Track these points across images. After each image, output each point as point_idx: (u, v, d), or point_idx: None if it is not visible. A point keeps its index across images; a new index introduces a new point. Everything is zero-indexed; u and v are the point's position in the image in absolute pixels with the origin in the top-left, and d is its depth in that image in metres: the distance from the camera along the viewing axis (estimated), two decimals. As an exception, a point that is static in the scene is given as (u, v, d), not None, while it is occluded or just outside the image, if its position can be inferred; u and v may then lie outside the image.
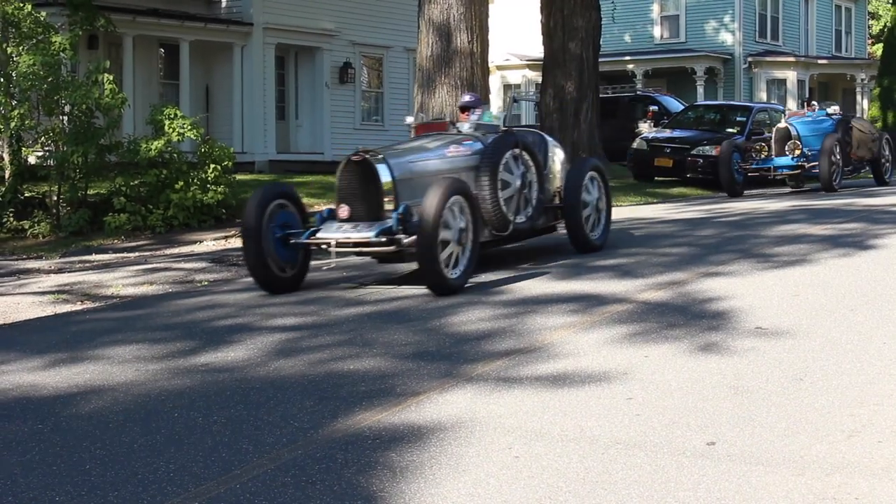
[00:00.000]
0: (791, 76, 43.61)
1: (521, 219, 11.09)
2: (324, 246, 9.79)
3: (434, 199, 9.22)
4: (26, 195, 17.98)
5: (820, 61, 45.68)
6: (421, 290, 9.84)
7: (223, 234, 17.13)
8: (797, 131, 21.62)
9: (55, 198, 17.61)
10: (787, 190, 22.99)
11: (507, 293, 9.43)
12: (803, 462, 4.75)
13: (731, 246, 11.98)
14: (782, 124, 21.96)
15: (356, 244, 9.82)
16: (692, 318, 7.96)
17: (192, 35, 28.06)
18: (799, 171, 21.64)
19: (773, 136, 21.82)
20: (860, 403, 5.61)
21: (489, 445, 5.14)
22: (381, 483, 4.71)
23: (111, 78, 17.70)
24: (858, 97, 46.17)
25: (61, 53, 17.42)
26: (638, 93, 36.24)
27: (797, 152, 21.36)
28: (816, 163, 21.21)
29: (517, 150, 11.06)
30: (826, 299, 8.59)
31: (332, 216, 10.07)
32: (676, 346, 7.08)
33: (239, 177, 21.12)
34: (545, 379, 6.36)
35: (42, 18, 17.85)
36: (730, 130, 26.47)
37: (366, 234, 9.66)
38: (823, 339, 7.16)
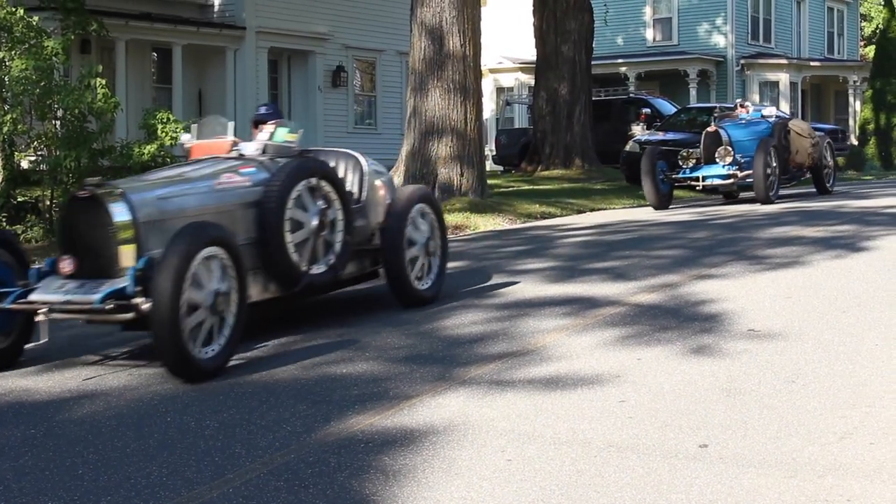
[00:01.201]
0: (783, 78, 43.64)
1: (319, 268, 8.48)
2: (39, 312, 7.14)
3: (175, 255, 6.77)
4: (19, 200, 17.93)
5: (812, 63, 45.72)
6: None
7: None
8: (728, 136, 18.99)
9: (48, 202, 17.57)
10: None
11: (500, 296, 9.43)
12: (795, 464, 4.75)
13: (723, 248, 11.99)
14: (712, 128, 19.36)
15: (78, 310, 7.22)
16: (685, 321, 7.97)
17: (184, 39, 28.04)
18: (731, 180, 18.94)
19: (701, 141, 19.28)
20: (852, 405, 5.62)
21: (482, 448, 5.14)
22: (373, 486, 4.71)
23: (104, 82, 17.67)
24: (851, 99, 46.20)
25: (54, 58, 17.38)
26: (630, 95, 36.24)
27: (729, 159, 18.69)
28: (751, 171, 18.46)
29: (314, 180, 8.48)
30: (818, 301, 8.60)
31: (54, 270, 7.45)
32: (669, 349, 7.09)
33: (232, 181, 21.07)
34: (538, 382, 6.36)
35: (34, 23, 17.80)
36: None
37: (90, 296, 7.05)
38: (815, 341, 7.17)
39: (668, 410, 5.65)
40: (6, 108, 17.01)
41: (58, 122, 17.69)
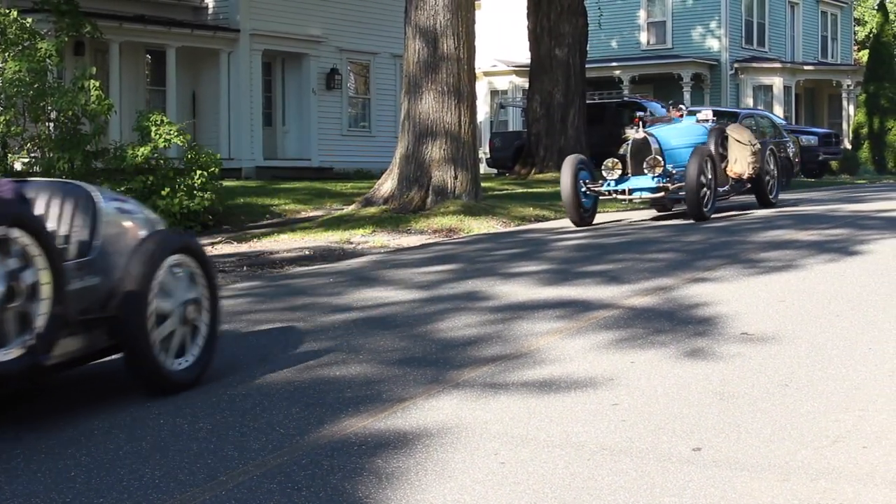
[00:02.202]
0: (777, 82, 43.72)
1: (6, 354, 5.51)
2: None
3: None
4: (12, 202, 17.91)
5: (806, 67, 45.82)
6: (408, 294, 9.85)
7: (210, 241, 17.09)
8: (659, 143, 16.38)
9: (41, 204, 17.55)
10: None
11: (493, 299, 9.43)
12: (788, 468, 4.75)
13: (717, 251, 11.99)
14: (639, 134, 16.54)
15: None
16: (678, 324, 7.97)
17: (178, 41, 28.06)
18: (662, 193, 16.36)
19: (627, 148, 16.65)
20: (845, 409, 5.62)
21: (475, 451, 5.14)
22: (366, 489, 4.70)
23: (97, 84, 17.67)
24: (844, 103, 46.29)
25: (47, 60, 17.39)
26: (625, 99, 36.29)
27: (658, 170, 16.05)
28: (683, 183, 15.86)
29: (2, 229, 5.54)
30: (812, 305, 8.61)
31: None
32: (662, 352, 7.09)
33: (226, 183, 21.11)
34: (531, 385, 6.36)
35: (28, 25, 17.81)
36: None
37: None
38: (809, 344, 7.17)
39: (661, 414, 5.65)
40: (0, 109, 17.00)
41: (51, 124, 17.68)
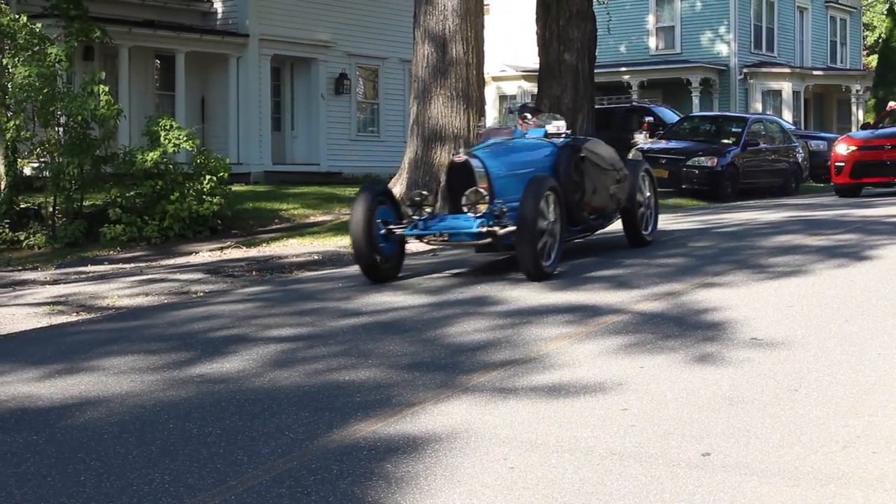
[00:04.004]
0: (786, 87, 43.68)
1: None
2: None
3: None
4: (22, 206, 17.98)
5: (815, 72, 45.76)
6: (417, 299, 9.85)
7: (219, 245, 17.13)
8: (486, 169, 11.14)
9: (51, 209, 17.60)
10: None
11: (502, 304, 9.43)
12: (798, 473, 4.75)
13: (726, 256, 11.98)
14: (459, 157, 11.32)
15: None
16: (688, 329, 7.96)
17: (187, 46, 28.09)
18: (487, 239, 11.08)
19: (442, 176, 11.73)
20: (855, 414, 5.61)
21: (484, 456, 5.14)
22: (376, 494, 4.70)
23: (107, 89, 17.71)
24: (853, 108, 46.23)
25: (57, 65, 17.44)
26: (633, 104, 36.28)
27: (483, 207, 10.92)
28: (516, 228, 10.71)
29: None
30: (821, 310, 8.60)
31: None
32: (672, 357, 7.08)
33: (234, 188, 21.14)
34: (541, 389, 6.36)
35: (38, 30, 17.86)
36: (725, 141, 26.55)
37: None
38: (818, 349, 7.16)
39: (670, 419, 5.64)
40: (9, 114, 17.06)
41: (61, 129, 17.74)
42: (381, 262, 11.15)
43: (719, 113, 34.79)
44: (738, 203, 23.74)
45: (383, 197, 11.42)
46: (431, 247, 11.86)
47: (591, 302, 9.30)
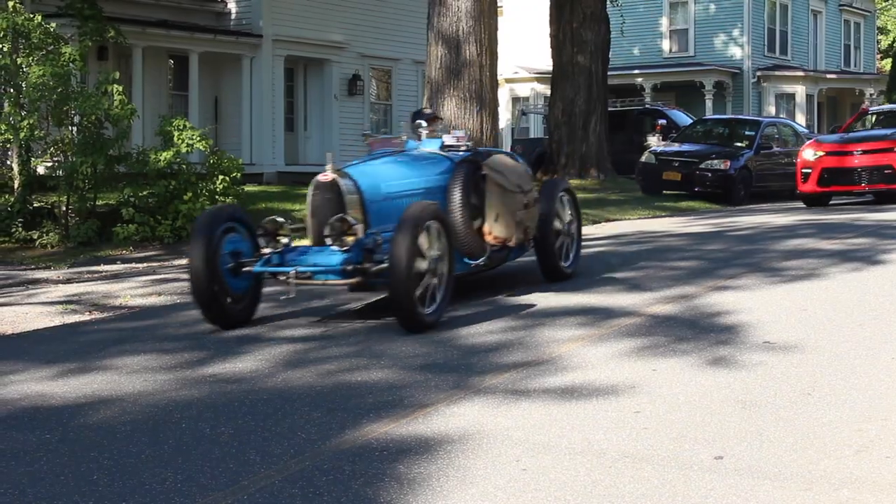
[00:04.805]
0: (800, 91, 43.62)
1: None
2: None
3: None
4: (35, 205, 17.99)
5: (829, 76, 45.70)
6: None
7: (231, 246, 17.12)
8: (359, 190, 9.08)
9: (64, 208, 17.62)
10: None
11: (515, 306, 9.43)
12: (811, 477, 4.74)
13: (739, 260, 11.97)
14: (325, 175, 9.07)
15: None
16: (700, 332, 7.95)
17: (201, 46, 28.12)
18: (357, 278, 8.75)
19: (310, 199, 9.23)
20: (868, 418, 5.60)
21: (497, 458, 5.14)
22: (388, 495, 4.70)
23: (120, 89, 17.73)
24: (867, 112, 46.11)
25: (71, 64, 17.45)
26: (646, 106, 36.29)
27: (350, 239, 8.72)
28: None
29: None
30: (834, 314, 8.58)
31: None
32: (685, 360, 7.08)
33: (247, 188, 21.14)
34: (553, 392, 6.35)
35: (52, 29, 17.88)
36: (738, 145, 26.51)
37: None
38: (832, 353, 7.15)
39: (683, 422, 5.64)
40: (23, 113, 17.09)
41: (74, 129, 17.75)
42: (229, 305, 8.91)
43: (732, 116, 34.75)
44: (751, 206, 23.71)
45: (234, 223, 9.07)
46: (296, 283, 8.80)
47: (603, 304, 9.30)
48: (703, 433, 5.42)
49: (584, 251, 13.63)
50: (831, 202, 22.66)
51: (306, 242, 9.20)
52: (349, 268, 8.60)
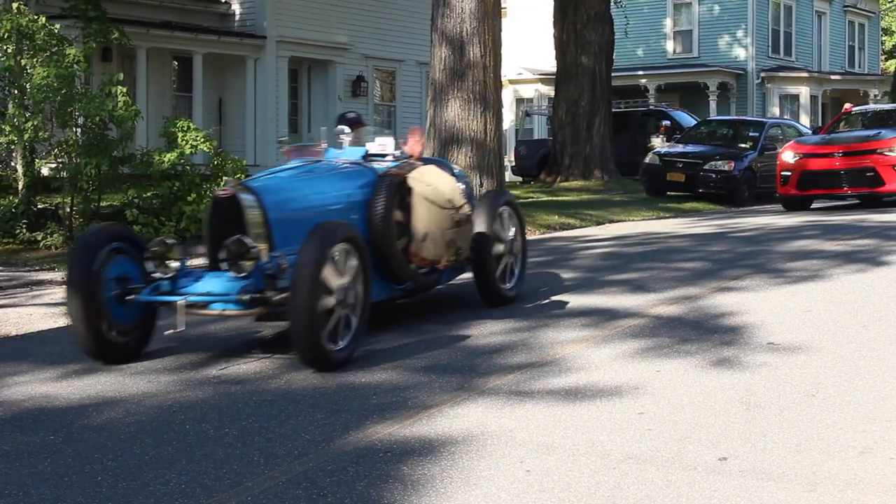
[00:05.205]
0: (804, 91, 43.59)
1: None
2: None
3: None
4: (39, 207, 17.98)
5: (833, 77, 45.67)
6: (433, 301, 9.84)
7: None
8: (262, 206, 7.77)
9: (68, 209, 17.62)
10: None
11: (519, 307, 9.42)
12: (815, 478, 4.74)
13: (744, 261, 11.96)
14: (225, 189, 7.91)
15: None
16: (705, 333, 7.95)
17: (205, 48, 28.14)
18: (257, 308, 7.53)
19: (207, 216, 8.05)
20: (872, 420, 5.60)
21: (501, 459, 5.14)
22: (392, 496, 4.70)
23: (124, 90, 17.72)
24: (871, 113, 46.07)
25: (75, 66, 17.44)
26: (650, 107, 36.29)
27: (250, 264, 7.42)
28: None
29: None
30: (839, 315, 8.57)
31: None
32: (689, 361, 7.07)
33: (251, 189, 21.10)
34: (557, 393, 6.35)
35: (56, 31, 17.87)
36: (742, 146, 26.49)
37: None
38: (836, 355, 7.15)
39: (687, 423, 5.63)
40: (27, 115, 17.09)
41: (78, 130, 17.74)
42: (113, 338, 7.72)
43: (736, 117, 34.71)
44: (755, 207, 23.70)
45: (123, 244, 7.85)
46: (197, 314, 7.79)
47: (607, 305, 9.30)
48: (706, 434, 5.42)
49: (586, 252, 13.67)
50: (813, 206, 21.89)
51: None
52: (246, 297, 7.38)
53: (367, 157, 9.18)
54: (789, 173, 21.16)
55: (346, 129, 9.37)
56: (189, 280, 7.72)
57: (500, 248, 9.71)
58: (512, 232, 9.96)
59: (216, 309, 7.60)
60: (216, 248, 7.66)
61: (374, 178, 8.81)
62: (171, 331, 7.68)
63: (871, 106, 26.37)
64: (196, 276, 7.76)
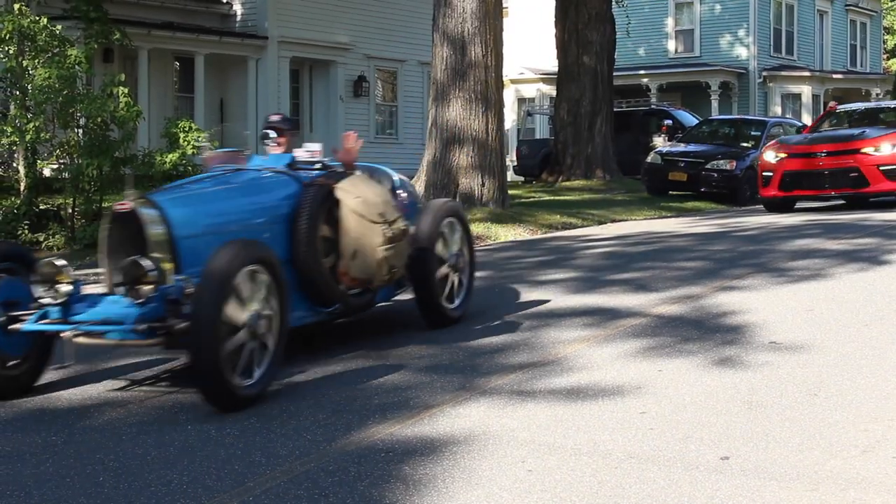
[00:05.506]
0: (806, 91, 43.56)
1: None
2: None
3: None
4: (41, 207, 17.99)
5: (835, 76, 45.62)
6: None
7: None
8: (167, 221, 6.83)
9: (70, 210, 17.62)
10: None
11: (521, 307, 9.42)
12: (817, 477, 4.73)
13: (745, 260, 11.95)
14: (124, 203, 6.88)
15: None
16: (706, 333, 7.94)
17: (206, 48, 28.15)
18: (156, 341, 6.48)
19: (104, 234, 7.08)
20: (875, 419, 5.59)
21: (502, 459, 5.13)
22: (393, 496, 4.70)
23: (126, 91, 17.73)
24: None
25: (77, 66, 17.45)
26: (652, 107, 36.26)
27: (148, 288, 6.47)
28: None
29: None
30: (841, 314, 8.57)
31: None
32: (690, 361, 7.07)
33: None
34: (559, 392, 6.35)
35: (58, 32, 17.88)
36: (744, 145, 26.46)
37: None
38: (838, 354, 7.14)
39: (689, 422, 5.63)
40: (29, 116, 17.10)
41: (80, 131, 17.75)
42: (4, 368, 6.79)
43: (738, 116, 34.70)
44: (757, 206, 23.67)
45: (11, 263, 7.03)
46: (85, 342, 6.74)
47: (609, 305, 9.29)
48: (709, 434, 5.41)
49: (588, 251, 13.66)
50: (796, 207, 20.95)
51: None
52: (142, 326, 6.38)
53: (294, 165, 8.18)
54: (771, 174, 20.24)
55: (272, 133, 8.49)
56: (83, 306, 6.72)
57: (443, 263, 8.76)
58: (457, 246, 9.00)
59: (114, 338, 6.63)
60: (115, 270, 6.78)
61: (299, 188, 7.84)
62: (58, 365, 7.05)
63: (857, 104, 25.54)
64: (91, 302, 6.77)
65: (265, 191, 7.82)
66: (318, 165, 8.16)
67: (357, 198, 7.77)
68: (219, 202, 7.43)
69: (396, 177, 9.32)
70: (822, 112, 41.91)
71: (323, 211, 7.78)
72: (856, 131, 20.65)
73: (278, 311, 6.71)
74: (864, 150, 19.43)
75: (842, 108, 24.15)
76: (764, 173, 20.43)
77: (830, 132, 21.44)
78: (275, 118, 8.71)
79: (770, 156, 20.47)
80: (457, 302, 8.90)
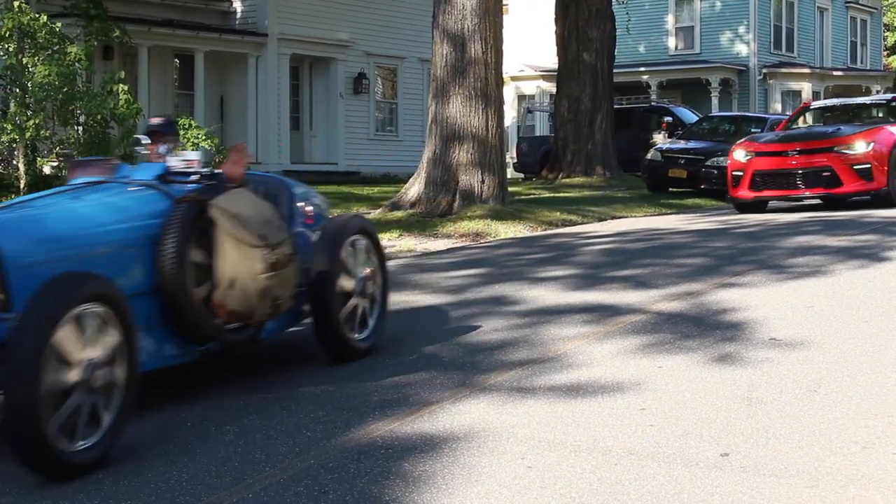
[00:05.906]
0: (806, 88, 43.53)
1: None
2: None
3: None
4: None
5: (835, 73, 45.60)
6: (435, 298, 9.84)
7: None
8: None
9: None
10: None
11: (521, 304, 9.42)
12: (817, 474, 4.73)
13: (746, 257, 11.94)
14: None
15: None
16: (706, 329, 7.94)
17: (206, 46, 28.15)
18: None
19: None
20: (875, 415, 5.59)
21: (502, 455, 5.13)
22: (393, 492, 4.70)
23: (126, 88, 17.77)
24: (873, 109, 46.00)
25: (76, 64, 17.49)
26: (652, 104, 36.23)
27: None
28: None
29: None
30: (841, 311, 8.56)
31: None
32: (690, 357, 7.06)
33: (253, 187, 21.12)
34: (558, 389, 6.35)
35: (58, 29, 17.92)
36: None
37: None
38: (838, 350, 7.13)
39: (689, 419, 5.63)
40: (29, 113, 17.12)
41: (80, 128, 17.78)
42: None
43: (738, 113, 34.65)
44: (758, 203, 23.64)
45: None
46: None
47: (609, 302, 9.29)
48: (708, 430, 5.41)
49: (586, 248, 13.65)
50: (769, 207, 19.93)
51: None
52: None
53: (166, 176, 6.85)
54: (741, 173, 19.10)
55: (146, 139, 7.41)
56: None
57: (348, 289, 7.52)
58: (366, 269, 7.77)
59: None
60: None
61: (168, 205, 6.56)
62: None
63: (832, 100, 24.63)
64: None
65: (129, 208, 6.50)
66: (193, 177, 6.83)
67: (233, 217, 6.47)
68: (65, 223, 6.07)
69: (300, 188, 8.14)
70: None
71: (195, 231, 6.49)
72: (830, 129, 19.85)
73: (126, 359, 5.52)
74: (837, 149, 18.54)
75: (816, 104, 23.41)
76: (734, 172, 19.39)
77: (804, 129, 20.77)
78: (155, 121, 7.75)
79: (740, 154, 19.41)
80: (365, 332, 7.68)
